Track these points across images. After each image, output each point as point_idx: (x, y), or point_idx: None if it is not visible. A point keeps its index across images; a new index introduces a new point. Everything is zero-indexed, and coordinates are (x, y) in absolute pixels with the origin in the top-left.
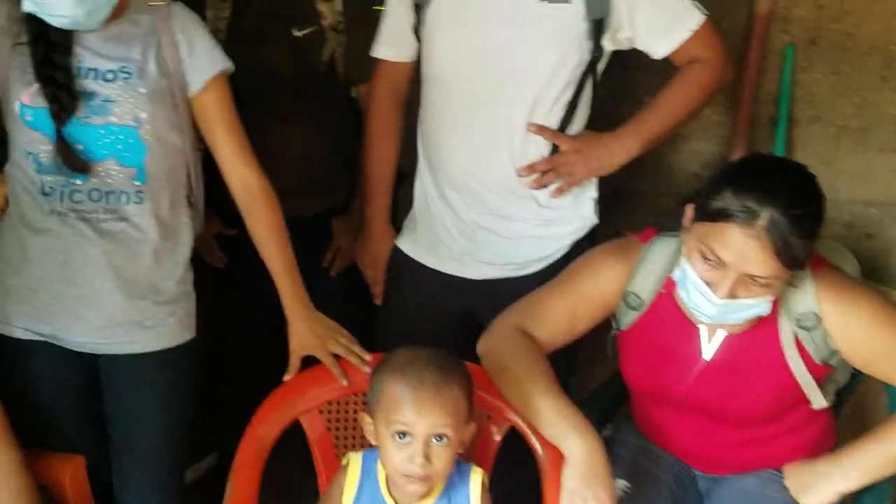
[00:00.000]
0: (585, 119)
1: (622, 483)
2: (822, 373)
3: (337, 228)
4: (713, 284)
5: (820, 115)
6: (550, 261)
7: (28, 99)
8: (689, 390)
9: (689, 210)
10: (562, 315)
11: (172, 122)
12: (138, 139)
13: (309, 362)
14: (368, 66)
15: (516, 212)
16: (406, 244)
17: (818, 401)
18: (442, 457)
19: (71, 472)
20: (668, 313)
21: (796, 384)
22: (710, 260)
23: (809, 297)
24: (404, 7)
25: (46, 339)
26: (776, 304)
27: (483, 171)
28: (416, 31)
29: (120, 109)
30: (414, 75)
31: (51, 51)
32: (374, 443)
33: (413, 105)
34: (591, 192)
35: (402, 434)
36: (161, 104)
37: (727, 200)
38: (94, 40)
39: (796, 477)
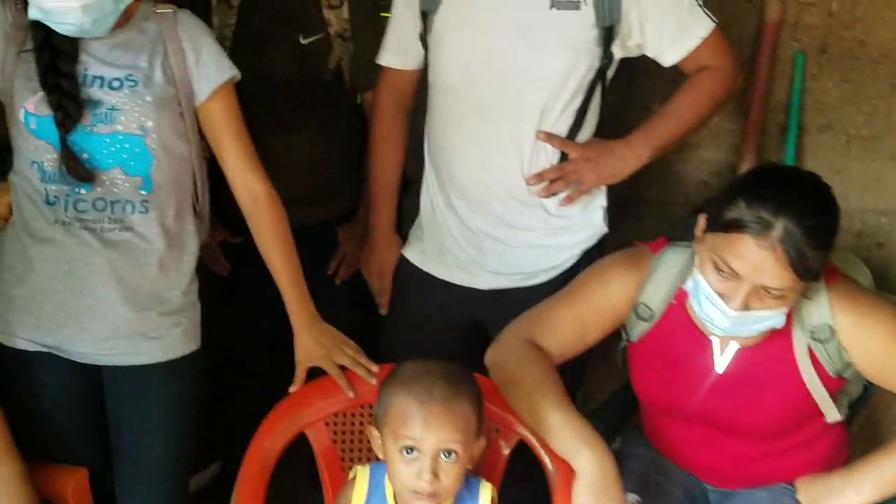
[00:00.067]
0: (594, 126)
1: (633, 497)
2: (835, 386)
3: (342, 236)
4: (726, 296)
5: (830, 123)
6: (560, 270)
7: (33, 107)
8: (701, 403)
9: (702, 220)
10: (571, 326)
11: (179, 131)
12: (144, 148)
13: (315, 373)
14: (374, 74)
15: (525, 221)
16: (413, 254)
17: (832, 414)
18: (450, 473)
19: (73, 485)
20: (680, 325)
21: (810, 397)
22: (723, 271)
23: (823, 309)
24: (411, 14)
25: (50, 351)
26: (789, 317)
27: (491, 179)
28: (423, 38)
29: (126, 118)
30: (419, 83)
31: (56, 58)
32: (381, 457)
33: (419, 112)
34: (600, 201)
35: (410, 449)
36: (167, 112)
37: (741, 211)
38: (100, 48)
39: (809, 491)
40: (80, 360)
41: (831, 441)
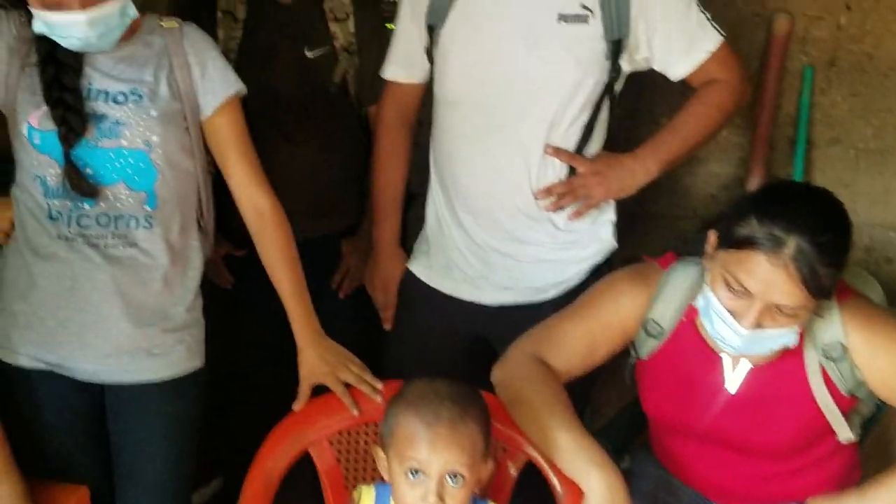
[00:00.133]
0: (602, 141)
1: None
2: (848, 405)
3: (346, 249)
4: (738, 314)
5: (839, 137)
6: (568, 285)
7: (36, 121)
8: (712, 423)
9: (712, 236)
10: (579, 342)
11: (184, 146)
12: (149, 163)
13: (319, 390)
14: (379, 87)
15: (533, 235)
16: (419, 268)
17: (844, 433)
18: (456, 498)
19: (74, 503)
20: (690, 343)
21: (822, 416)
22: (734, 289)
23: (836, 327)
24: (417, 28)
25: (51, 369)
26: (802, 335)
27: (499, 194)
28: (429, 52)
29: (130, 132)
30: (424, 96)
31: (60, 72)
32: (386, 478)
33: (423, 125)
34: (609, 215)
35: (416, 471)
36: (173, 127)
37: (752, 228)
38: (104, 61)
39: None
40: (82, 379)
41: (844, 461)
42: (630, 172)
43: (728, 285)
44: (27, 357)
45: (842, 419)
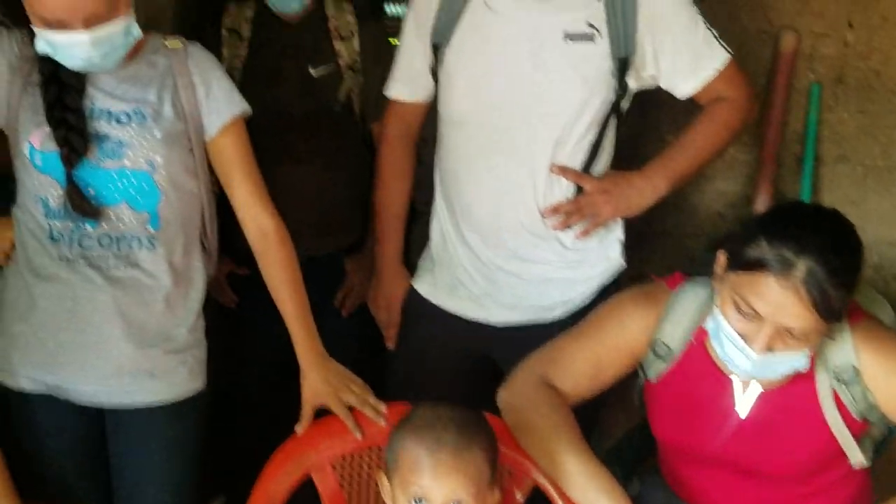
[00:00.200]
0: (609, 159)
1: None
2: (860, 429)
3: (350, 267)
4: (748, 337)
5: (846, 154)
6: (575, 305)
7: (38, 142)
8: (722, 447)
9: (721, 257)
10: (586, 364)
11: (188, 167)
12: (153, 184)
13: (322, 413)
14: (384, 105)
15: (539, 254)
16: (424, 286)
17: (857, 458)
18: None
19: None
20: (700, 366)
21: (834, 441)
22: (744, 311)
23: (848, 350)
24: (422, 46)
25: (51, 392)
26: (813, 358)
27: (505, 212)
28: (434, 71)
29: (133, 153)
30: (429, 112)
31: (63, 92)
32: None
33: (427, 142)
34: (617, 234)
35: (419, 499)
36: (177, 148)
37: (762, 250)
38: (108, 81)
39: None
40: (82, 402)
41: (855, 486)
42: (638, 191)
43: (738, 308)
44: (27, 379)
45: (854, 443)
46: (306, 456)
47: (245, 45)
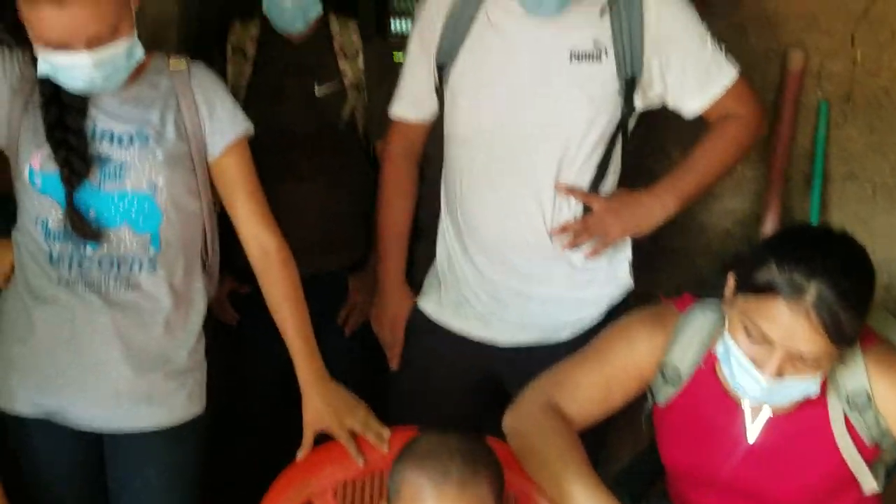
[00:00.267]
0: (617, 178)
1: None
2: (872, 454)
3: (353, 285)
4: (759, 362)
5: (855, 172)
6: (584, 325)
7: (38, 163)
8: (732, 473)
9: (731, 280)
10: (593, 388)
11: (190, 188)
12: (154, 206)
13: (323, 436)
14: (388, 123)
15: (546, 274)
16: (429, 304)
17: (869, 484)
18: None
19: None
20: (710, 391)
21: (846, 467)
22: (754, 336)
23: (860, 374)
24: (426, 66)
25: (49, 417)
26: (824, 383)
27: (510, 232)
28: (439, 90)
29: (135, 175)
30: (433, 130)
31: (64, 113)
32: None
33: (431, 159)
34: (625, 253)
35: None
36: (179, 169)
37: (772, 273)
38: (110, 101)
39: None
40: (80, 427)
41: None
42: (647, 209)
43: (748, 332)
44: (25, 402)
45: (866, 470)
46: (307, 482)
47: (250, 64)
